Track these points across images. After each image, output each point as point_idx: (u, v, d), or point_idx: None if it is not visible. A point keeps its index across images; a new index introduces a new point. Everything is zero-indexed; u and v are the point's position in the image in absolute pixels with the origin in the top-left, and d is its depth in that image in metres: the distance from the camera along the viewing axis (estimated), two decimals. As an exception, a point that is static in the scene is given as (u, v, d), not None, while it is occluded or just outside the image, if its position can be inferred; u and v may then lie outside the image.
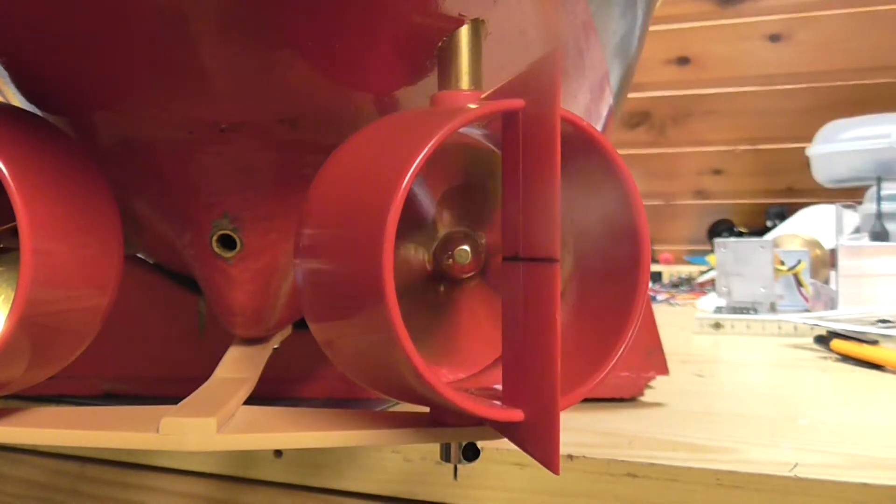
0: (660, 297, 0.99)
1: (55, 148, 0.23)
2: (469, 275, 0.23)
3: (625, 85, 0.44)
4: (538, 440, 0.19)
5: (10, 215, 0.20)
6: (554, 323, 0.18)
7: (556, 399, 0.18)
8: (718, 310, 0.72)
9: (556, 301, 0.18)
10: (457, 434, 0.22)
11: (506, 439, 0.21)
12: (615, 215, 0.20)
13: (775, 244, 0.74)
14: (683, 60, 1.52)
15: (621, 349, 0.20)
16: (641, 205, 0.20)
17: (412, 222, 0.23)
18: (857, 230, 0.99)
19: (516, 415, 0.20)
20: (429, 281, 0.24)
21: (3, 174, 0.20)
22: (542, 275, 0.18)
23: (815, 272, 0.76)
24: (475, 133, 0.21)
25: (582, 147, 0.20)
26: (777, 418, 0.38)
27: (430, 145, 0.18)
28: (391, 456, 0.34)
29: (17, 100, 0.25)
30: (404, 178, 0.18)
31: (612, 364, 0.20)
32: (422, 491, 0.33)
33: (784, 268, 0.73)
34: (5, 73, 0.24)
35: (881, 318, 0.63)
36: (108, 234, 0.24)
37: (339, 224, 0.21)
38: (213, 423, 0.21)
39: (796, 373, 0.52)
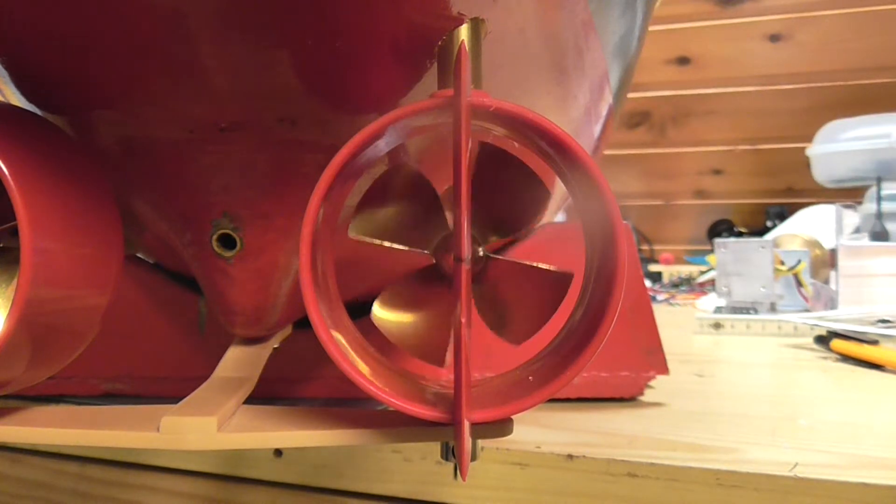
0: (660, 297, 0.99)
1: (55, 148, 0.23)
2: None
3: (625, 85, 0.44)
4: (457, 441, 0.20)
5: (10, 215, 0.20)
6: (458, 322, 0.19)
7: (460, 399, 0.19)
8: (718, 310, 0.72)
9: (463, 300, 0.19)
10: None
11: (506, 439, 0.21)
12: (602, 214, 0.20)
13: (775, 244, 0.74)
14: (683, 60, 1.52)
15: (592, 354, 0.20)
16: (612, 195, 0.20)
17: (421, 221, 0.23)
18: (857, 230, 1.00)
19: (428, 414, 0.20)
20: (438, 279, 0.24)
21: (4, 173, 0.20)
22: (456, 274, 0.19)
23: (815, 272, 0.76)
24: (499, 132, 0.22)
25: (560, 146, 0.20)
26: (777, 418, 0.38)
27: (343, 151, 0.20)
28: (391, 456, 0.34)
29: (17, 100, 0.25)
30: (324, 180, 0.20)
31: (579, 366, 0.20)
32: (422, 491, 0.33)
33: (784, 268, 0.73)
34: (5, 73, 0.24)
35: (881, 318, 0.63)
36: (108, 234, 0.24)
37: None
38: (214, 422, 0.21)
39: (796, 373, 0.52)
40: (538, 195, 0.23)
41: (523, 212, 0.23)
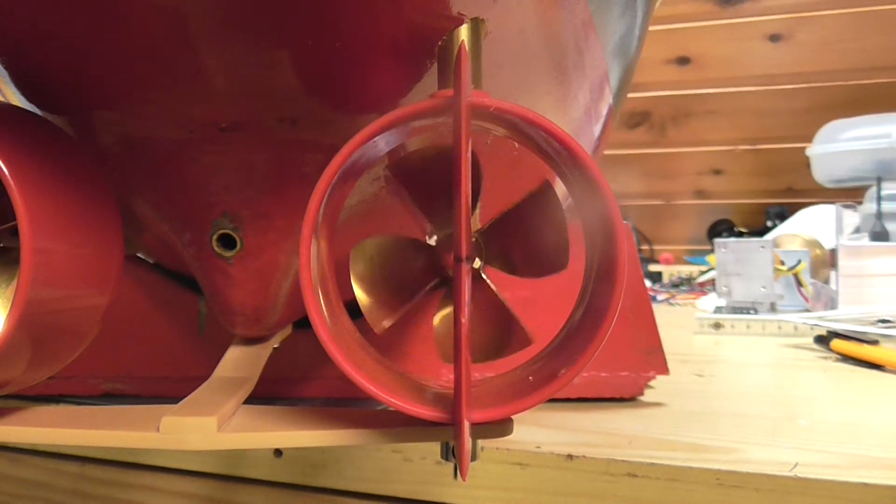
0: (660, 297, 0.99)
1: (55, 148, 0.23)
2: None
3: (625, 85, 0.44)
4: (457, 440, 0.20)
5: (10, 215, 0.20)
6: (459, 322, 0.19)
7: (460, 399, 0.19)
8: (718, 310, 0.72)
9: (463, 299, 0.19)
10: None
11: (506, 439, 0.21)
12: (602, 214, 0.20)
13: (775, 244, 0.74)
14: (683, 60, 1.52)
15: (592, 354, 0.20)
16: (612, 195, 0.20)
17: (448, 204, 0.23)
18: (857, 230, 1.00)
19: (428, 414, 0.20)
20: (428, 263, 0.24)
21: (4, 173, 0.20)
22: (456, 274, 0.19)
23: (815, 272, 0.76)
24: (499, 132, 0.22)
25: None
26: (777, 418, 0.38)
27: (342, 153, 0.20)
28: (391, 456, 0.34)
29: (17, 100, 0.25)
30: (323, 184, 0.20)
31: (579, 367, 0.20)
32: (422, 491, 0.33)
33: (784, 268, 0.73)
34: (5, 73, 0.24)
35: (881, 318, 0.63)
36: (108, 234, 0.24)
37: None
38: (214, 422, 0.21)
39: (796, 373, 0.52)
40: (559, 261, 0.22)
41: (537, 265, 0.23)
